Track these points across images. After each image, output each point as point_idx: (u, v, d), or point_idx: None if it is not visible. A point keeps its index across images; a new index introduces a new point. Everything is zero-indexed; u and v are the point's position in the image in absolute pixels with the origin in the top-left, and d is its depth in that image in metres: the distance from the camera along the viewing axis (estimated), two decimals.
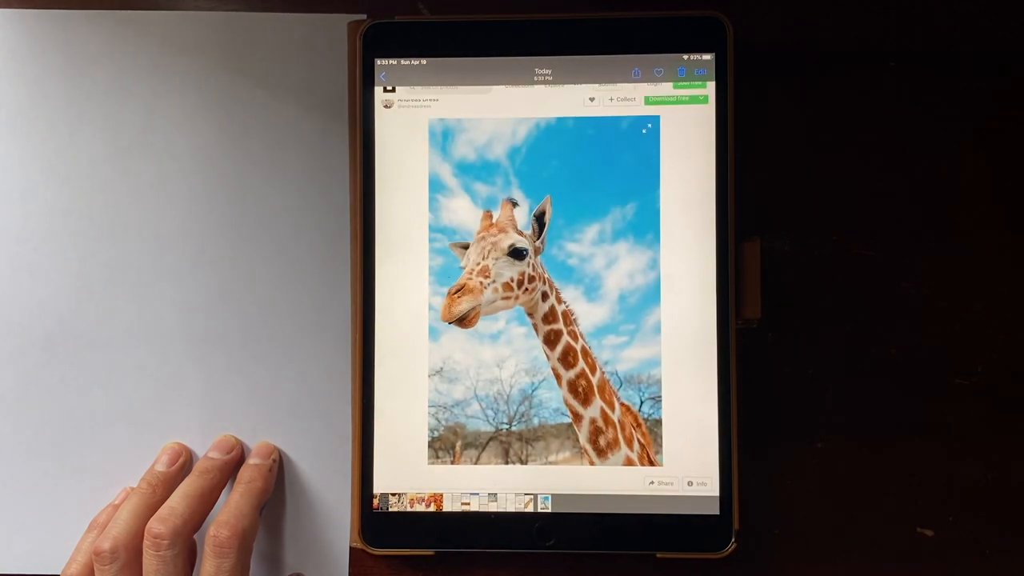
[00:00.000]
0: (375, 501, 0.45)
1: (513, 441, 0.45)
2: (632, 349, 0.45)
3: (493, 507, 0.45)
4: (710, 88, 0.45)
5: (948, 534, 0.46)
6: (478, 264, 0.45)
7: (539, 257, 0.45)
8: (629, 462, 0.45)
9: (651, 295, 0.45)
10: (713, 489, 0.44)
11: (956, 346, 0.47)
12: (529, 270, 0.45)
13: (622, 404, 0.45)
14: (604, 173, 0.45)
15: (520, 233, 0.45)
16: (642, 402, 0.45)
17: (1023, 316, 0.47)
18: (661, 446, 0.45)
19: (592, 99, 0.45)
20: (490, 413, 0.45)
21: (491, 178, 0.45)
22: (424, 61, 0.46)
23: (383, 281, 0.45)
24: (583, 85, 0.45)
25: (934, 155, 0.47)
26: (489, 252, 0.45)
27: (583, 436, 0.45)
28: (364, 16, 0.48)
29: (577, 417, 0.45)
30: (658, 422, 0.45)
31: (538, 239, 0.45)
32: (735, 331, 0.45)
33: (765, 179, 0.47)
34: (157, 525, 0.41)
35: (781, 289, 0.47)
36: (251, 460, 0.46)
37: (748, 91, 0.46)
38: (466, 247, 0.46)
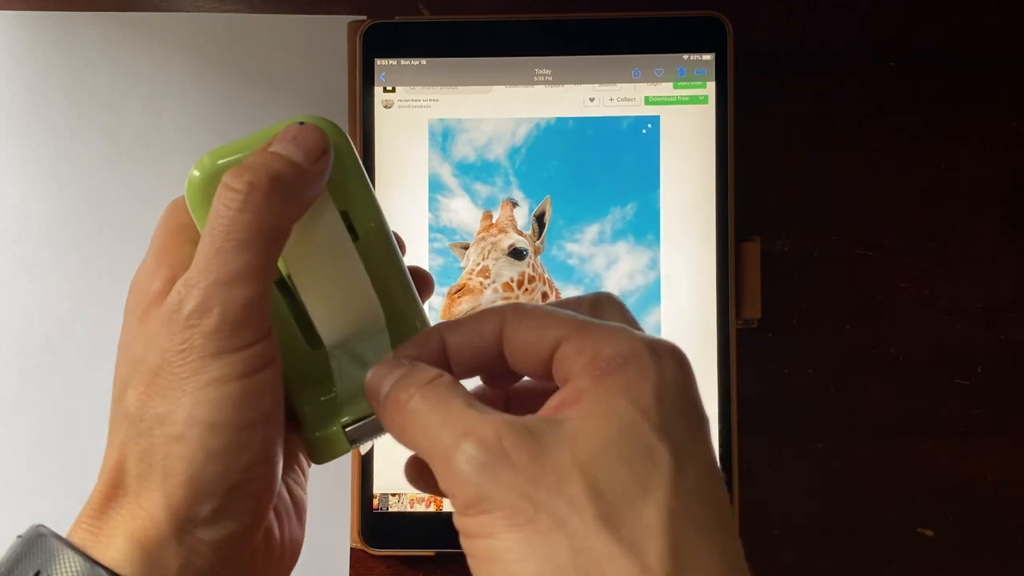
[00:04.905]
0: (375, 501, 0.45)
1: None
2: None
3: None
4: (710, 88, 0.45)
5: (948, 534, 0.46)
6: (478, 264, 0.45)
7: (539, 257, 0.45)
8: None
9: (651, 295, 0.45)
10: None
11: (956, 346, 0.47)
12: (529, 270, 0.45)
13: None
14: (604, 173, 0.45)
15: (520, 233, 0.45)
16: None
17: (1023, 316, 0.47)
18: None
19: (592, 99, 0.45)
20: None
21: (491, 178, 0.45)
22: (424, 61, 0.46)
23: None
24: (583, 85, 0.45)
25: (934, 155, 0.47)
26: (489, 252, 0.45)
27: None
28: (364, 16, 0.48)
29: None
30: None
31: (538, 239, 0.45)
32: (735, 331, 0.45)
33: (765, 179, 0.47)
34: None
35: (781, 289, 0.47)
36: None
37: (748, 91, 0.46)
38: (466, 247, 0.46)
